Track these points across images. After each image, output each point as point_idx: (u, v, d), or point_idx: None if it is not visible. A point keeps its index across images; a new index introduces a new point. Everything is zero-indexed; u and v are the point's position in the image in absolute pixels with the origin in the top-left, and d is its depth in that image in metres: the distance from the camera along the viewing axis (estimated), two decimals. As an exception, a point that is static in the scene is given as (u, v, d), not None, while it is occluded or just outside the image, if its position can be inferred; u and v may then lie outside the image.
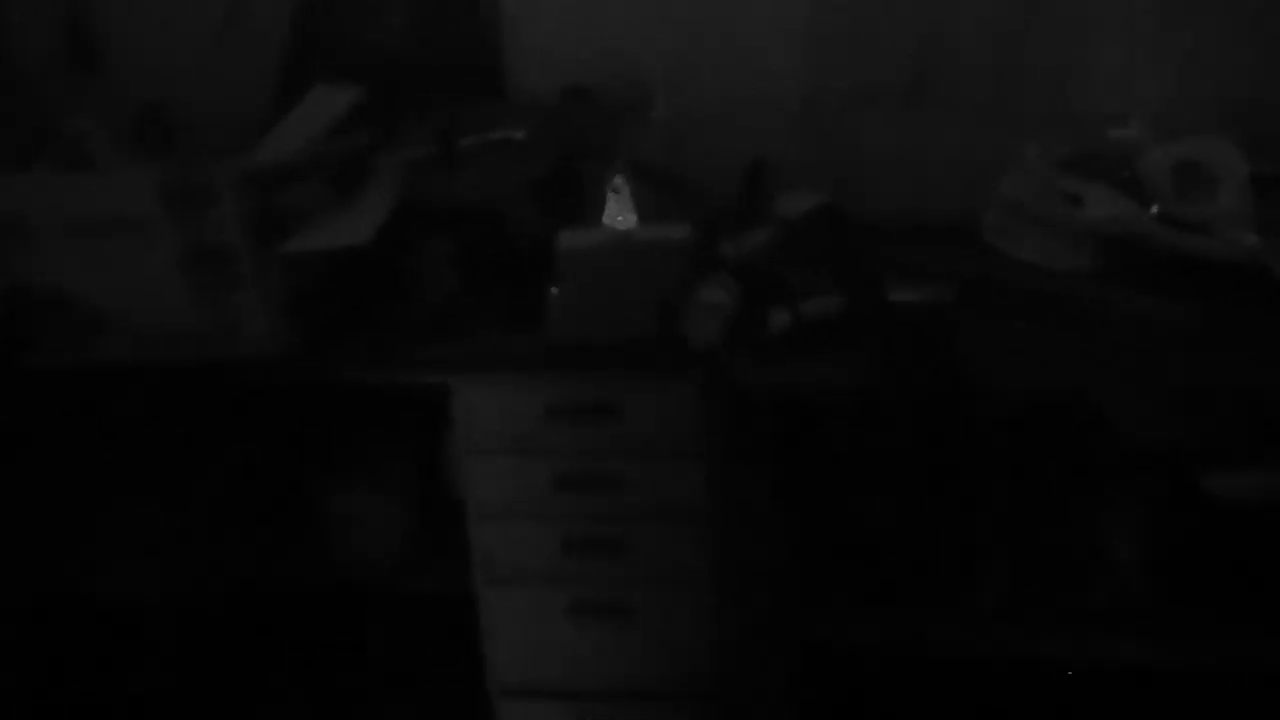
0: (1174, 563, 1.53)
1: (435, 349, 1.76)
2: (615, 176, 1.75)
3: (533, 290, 1.75)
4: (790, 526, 1.68)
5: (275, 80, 2.28)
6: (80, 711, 2.01)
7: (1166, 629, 1.54)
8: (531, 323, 1.75)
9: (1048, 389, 1.51)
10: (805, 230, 1.89)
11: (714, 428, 1.68)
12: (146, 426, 1.98)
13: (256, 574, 2.06)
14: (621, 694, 1.87)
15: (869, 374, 1.53)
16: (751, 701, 1.81)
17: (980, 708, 1.71)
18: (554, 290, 1.70)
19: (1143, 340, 1.59)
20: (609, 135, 2.02)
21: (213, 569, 2.05)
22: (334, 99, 2.10)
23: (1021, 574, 1.60)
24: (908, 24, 2.13)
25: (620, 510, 1.79)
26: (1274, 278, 1.62)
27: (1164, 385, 1.55)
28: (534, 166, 1.93)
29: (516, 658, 1.92)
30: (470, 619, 1.91)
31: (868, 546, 1.63)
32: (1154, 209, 1.79)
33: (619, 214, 1.69)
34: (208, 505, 2.06)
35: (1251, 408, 1.59)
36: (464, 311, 1.83)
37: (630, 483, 1.77)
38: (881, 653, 1.67)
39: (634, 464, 1.76)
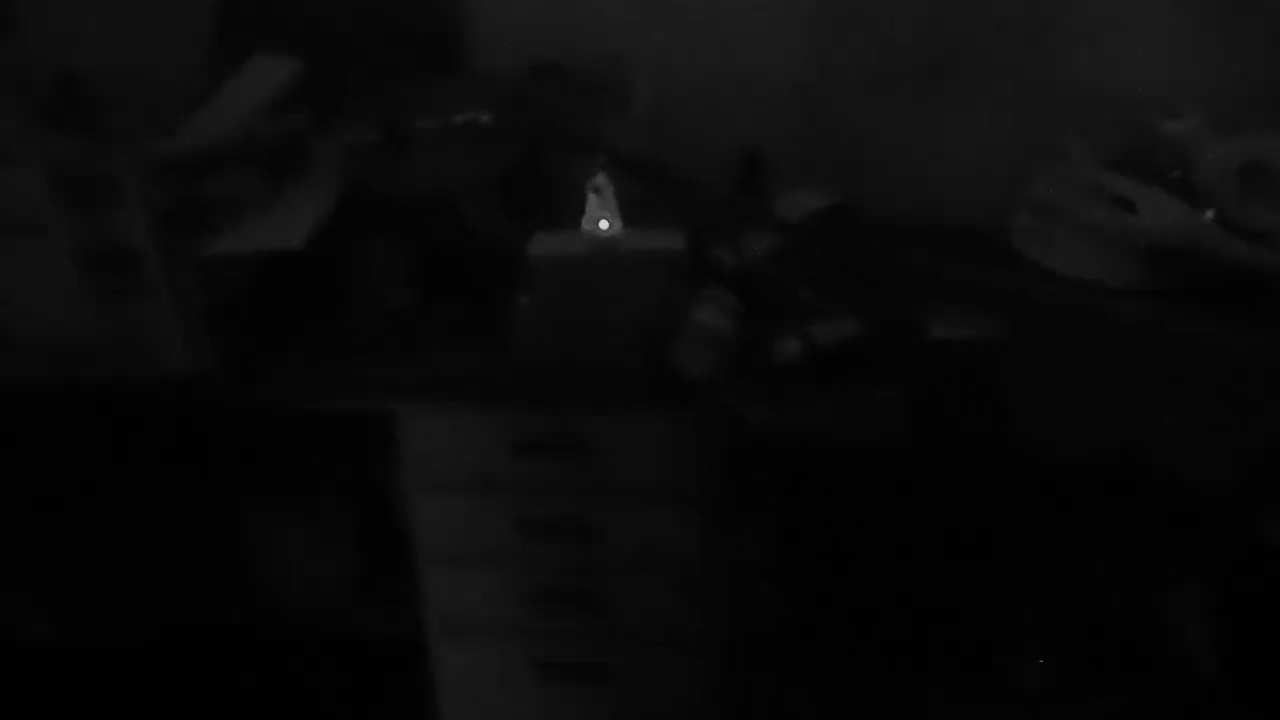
0: (1253, 645, 1.30)
1: (380, 371, 1.50)
2: (595, 170, 1.48)
3: (496, 304, 1.50)
4: (794, 588, 1.44)
5: (208, 44, 1.99)
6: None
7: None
8: (494, 342, 1.49)
9: (1098, 436, 1.27)
10: (812, 235, 1.64)
11: (708, 472, 1.44)
12: (46, 450, 1.71)
13: (178, 617, 1.79)
14: (593, 765, 1.63)
15: (894, 419, 1.29)
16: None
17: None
18: (521, 305, 1.44)
19: (1206, 373, 1.36)
20: (586, 121, 1.76)
21: (126, 612, 1.78)
22: (272, 71, 1.83)
23: (1068, 657, 1.36)
24: (921, 3, 1.87)
25: (596, 560, 1.55)
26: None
27: (1233, 429, 1.32)
28: (499, 156, 1.66)
29: (474, 718, 1.68)
30: (423, 670, 1.66)
31: (885, 617, 1.40)
32: (1208, 214, 1.56)
33: (599, 216, 1.42)
34: (119, 539, 1.80)
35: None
36: (415, 327, 1.57)
37: (608, 530, 1.53)
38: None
39: (613, 509, 1.52)
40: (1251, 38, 1.78)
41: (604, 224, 1.42)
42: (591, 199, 1.41)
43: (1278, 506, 1.31)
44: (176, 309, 1.45)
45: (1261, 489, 1.31)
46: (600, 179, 1.41)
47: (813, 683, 1.40)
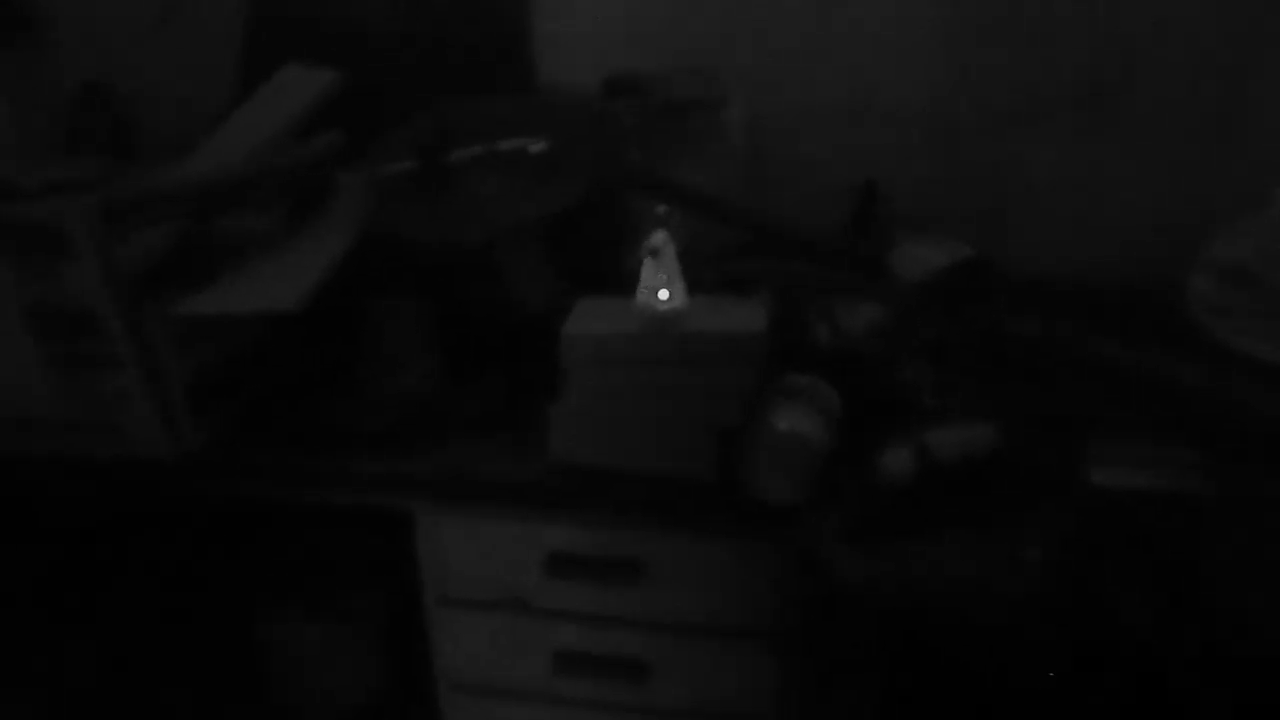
0: None
1: (394, 461, 1.22)
2: (656, 217, 1.17)
3: (537, 386, 1.20)
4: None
5: (237, 58, 1.75)
6: None
7: None
8: (531, 435, 1.20)
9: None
10: (938, 302, 1.30)
11: (788, 617, 1.12)
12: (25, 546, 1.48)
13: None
14: None
15: (1032, 580, 0.95)
16: None
17: None
18: (559, 394, 1.14)
19: None
20: (669, 152, 1.46)
21: None
22: (304, 85, 1.58)
23: None
24: (1083, 14, 1.50)
25: (646, 705, 1.24)
26: None
27: None
28: (552, 196, 1.36)
29: None
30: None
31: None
32: None
33: (658, 283, 1.11)
34: (117, 655, 1.56)
35: None
36: (438, 408, 1.28)
37: (662, 671, 1.22)
38: None
39: (670, 647, 1.22)
40: None
41: (663, 293, 1.10)
42: (648, 262, 1.10)
43: None
44: (148, 381, 1.19)
45: None
46: (659, 237, 1.10)
47: None
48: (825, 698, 1.12)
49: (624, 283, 1.16)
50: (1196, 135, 1.50)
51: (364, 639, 1.55)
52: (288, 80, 1.60)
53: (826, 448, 1.07)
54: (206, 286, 1.27)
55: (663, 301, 1.10)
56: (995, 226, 1.51)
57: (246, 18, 1.73)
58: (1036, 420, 1.12)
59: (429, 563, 1.27)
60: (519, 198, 1.36)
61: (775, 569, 1.12)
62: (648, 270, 1.10)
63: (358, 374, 1.30)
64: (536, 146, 1.38)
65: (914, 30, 1.54)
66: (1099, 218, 1.54)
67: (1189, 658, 0.92)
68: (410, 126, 1.47)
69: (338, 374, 1.32)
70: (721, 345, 1.08)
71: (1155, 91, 1.49)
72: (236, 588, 1.54)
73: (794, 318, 1.22)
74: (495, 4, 1.67)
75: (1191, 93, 1.49)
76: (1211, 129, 1.50)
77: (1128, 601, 0.91)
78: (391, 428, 1.24)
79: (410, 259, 1.34)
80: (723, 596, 1.17)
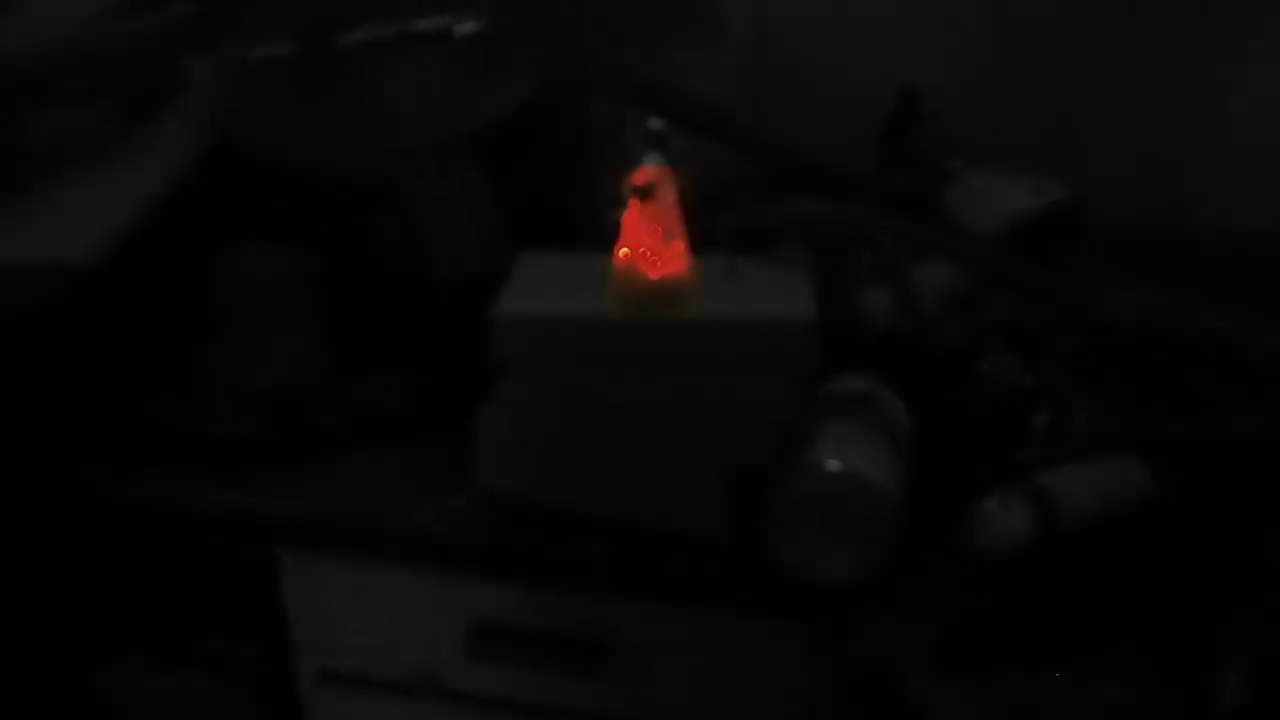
0: None
1: (251, 487, 0.83)
2: (652, 134, 0.77)
3: (462, 381, 0.81)
4: None
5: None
6: None
7: None
8: (455, 450, 0.81)
9: None
10: (1027, 261, 0.92)
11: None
12: None
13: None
14: None
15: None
16: None
17: None
18: (489, 404, 0.76)
19: None
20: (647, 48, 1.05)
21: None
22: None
23: None
24: None
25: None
26: None
27: None
28: (493, 97, 0.96)
29: None
30: None
31: None
32: None
33: (654, 233, 0.71)
34: None
35: None
36: (317, 410, 0.88)
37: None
38: None
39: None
40: None
41: (655, 254, 0.71)
42: (633, 204, 0.71)
43: None
44: None
45: None
46: (651, 166, 0.71)
47: None
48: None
49: (592, 233, 0.77)
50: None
51: (238, 691, 1.17)
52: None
53: (899, 495, 0.70)
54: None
55: (655, 266, 0.71)
56: (1075, 163, 1.12)
57: None
58: (1206, 450, 0.76)
59: (301, 625, 0.89)
60: (440, 101, 0.95)
61: (814, 668, 0.76)
62: (633, 217, 0.71)
63: (199, 359, 0.89)
64: (465, 27, 0.96)
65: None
66: (1219, 148, 1.17)
67: None
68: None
69: (172, 358, 0.90)
70: (750, 339, 0.70)
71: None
72: (59, 620, 1.15)
73: (839, 289, 0.84)
74: None
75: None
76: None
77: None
78: (247, 438, 0.85)
79: (282, 189, 0.92)
80: (739, 694, 0.80)
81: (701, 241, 0.73)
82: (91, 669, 1.17)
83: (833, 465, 0.69)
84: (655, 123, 0.74)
